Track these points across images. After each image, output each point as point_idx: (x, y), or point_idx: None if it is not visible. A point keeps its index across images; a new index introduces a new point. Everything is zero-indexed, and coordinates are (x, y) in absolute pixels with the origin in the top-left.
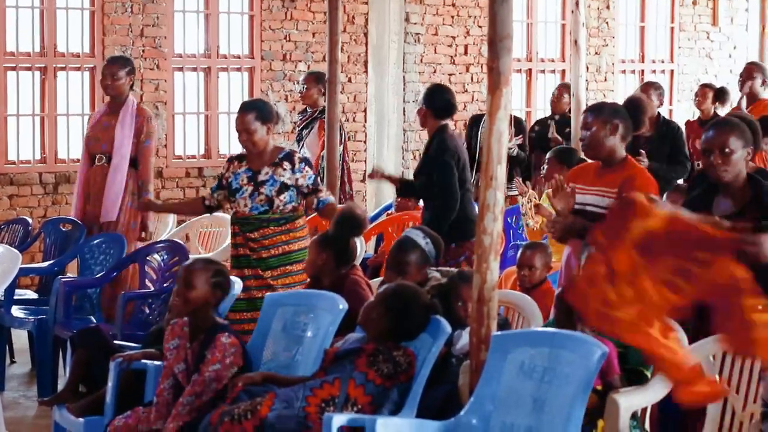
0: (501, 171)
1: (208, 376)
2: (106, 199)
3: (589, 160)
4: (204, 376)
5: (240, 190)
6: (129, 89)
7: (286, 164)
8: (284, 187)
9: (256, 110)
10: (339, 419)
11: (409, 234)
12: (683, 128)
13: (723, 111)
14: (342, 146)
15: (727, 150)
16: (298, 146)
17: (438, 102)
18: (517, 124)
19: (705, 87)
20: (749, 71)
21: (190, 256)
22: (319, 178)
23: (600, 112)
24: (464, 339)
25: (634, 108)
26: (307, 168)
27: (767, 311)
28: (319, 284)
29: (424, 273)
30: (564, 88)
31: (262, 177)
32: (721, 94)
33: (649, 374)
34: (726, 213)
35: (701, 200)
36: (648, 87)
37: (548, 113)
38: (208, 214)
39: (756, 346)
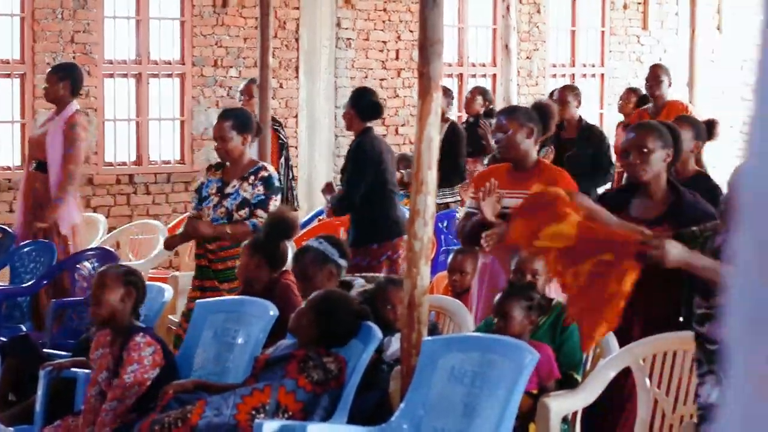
0: (432, 176)
1: (127, 379)
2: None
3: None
4: (123, 379)
5: (207, 198)
6: (69, 95)
7: (252, 178)
8: (244, 203)
9: (233, 118)
10: (270, 426)
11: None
12: (615, 131)
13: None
14: (286, 151)
15: (645, 150)
16: None
17: (363, 104)
18: (454, 131)
19: (630, 91)
20: (656, 74)
21: (121, 263)
22: (272, 202)
23: (515, 114)
24: (395, 345)
25: (542, 113)
26: (261, 187)
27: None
28: (251, 290)
29: (330, 271)
30: (477, 90)
31: (228, 189)
32: (644, 99)
33: (579, 378)
34: (642, 217)
35: (615, 199)
36: (565, 90)
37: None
38: (142, 221)
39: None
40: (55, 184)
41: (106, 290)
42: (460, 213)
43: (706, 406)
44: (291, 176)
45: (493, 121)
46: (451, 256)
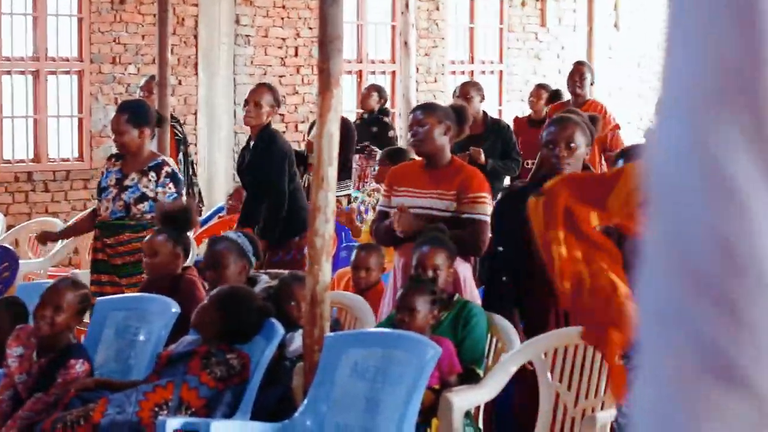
0: (332, 172)
1: (54, 398)
2: None
3: (416, 158)
4: (50, 397)
5: (107, 190)
6: None
7: (152, 175)
8: (144, 198)
9: (129, 112)
10: (173, 423)
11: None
12: (511, 127)
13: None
14: (184, 146)
15: (572, 144)
16: None
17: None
18: (345, 126)
19: (540, 87)
20: (580, 71)
21: (20, 261)
22: (181, 198)
23: (434, 110)
24: (297, 341)
25: (459, 115)
26: (171, 185)
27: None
28: (152, 287)
29: (242, 266)
30: (373, 87)
31: (127, 182)
32: (556, 96)
33: (481, 373)
34: None
35: (531, 189)
36: (467, 86)
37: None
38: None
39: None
40: None
41: (63, 309)
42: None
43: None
44: (191, 172)
45: (388, 119)
46: (354, 253)
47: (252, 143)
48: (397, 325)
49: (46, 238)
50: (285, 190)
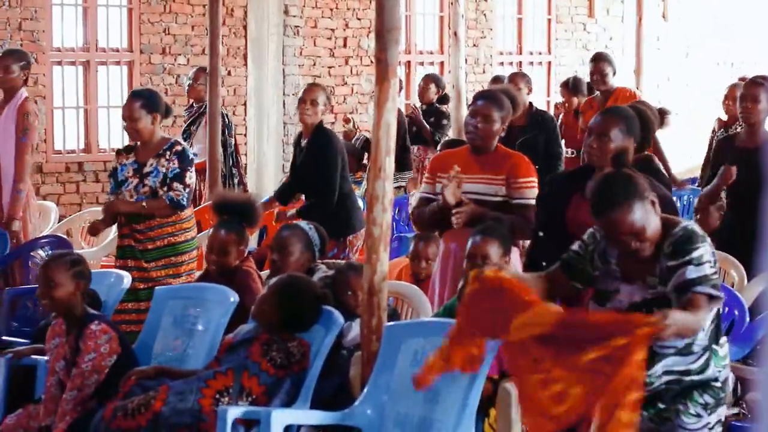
0: (389, 162)
1: (85, 368)
2: (5, 199)
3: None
4: (81, 368)
5: (126, 182)
6: (23, 83)
7: (168, 154)
8: (167, 179)
9: (142, 99)
10: (234, 412)
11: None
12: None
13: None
14: (233, 139)
15: (605, 138)
16: (186, 143)
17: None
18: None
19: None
20: (599, 68)
21: (75, 250)
22: (186, 175)
23: (500, 107)
24: (354, 330)
25: (513, 103)
26: (176, 161)
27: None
28: (207, 277)
29: (307, 257)
30: (430, 78)
31: (147, 169)
32: (575, 84)
33: None
34: None
35: (575, 182)
36: (516, 77)
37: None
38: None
39: None
40: (12, 176)
41: (55, 286)
42: (413, 199)
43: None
44: (232, 162)
45: (446, 107)
46: (413, 244)
47: (305, 141)
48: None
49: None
50: (335, 189)
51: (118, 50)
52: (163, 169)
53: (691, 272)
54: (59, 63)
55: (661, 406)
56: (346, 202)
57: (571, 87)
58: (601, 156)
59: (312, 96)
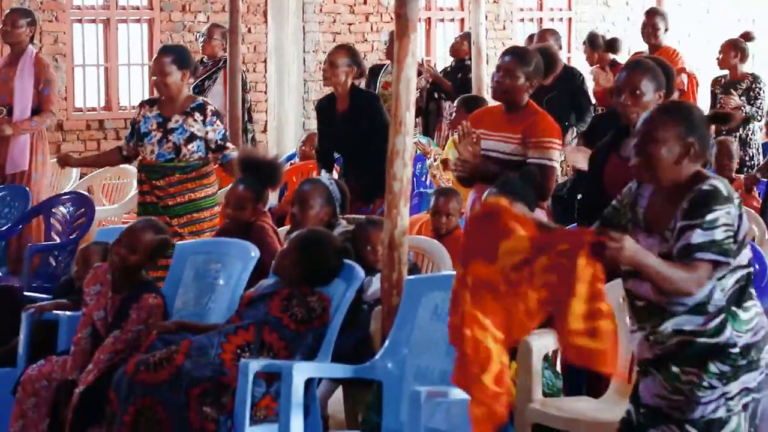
0: (410, 117)
1: (131, 336)
2: (13, 150)
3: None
4: (127, 336)
5: (149, 134)
6: (29, 40)
7: (198, 115)
8: (193, 137)
9: (174, 54)
10: (255, 365)
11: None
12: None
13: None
14: (248, 95)
15: (638, 92)
16: None
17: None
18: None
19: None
20: (652, 21)
21: (96, 208)
22: (228, 134)
23: (527, 64)
24: (375, 285)
25: (548, 61)
26: (218, 122)
27: (610, 318)
28: (223, 233)
29: (327, 211)
30: (465, 36)
31: (172, 124)
32: (611, 44)
33: None
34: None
35: (611, 143)
36: (546, 34)
37: (447, 62)
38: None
39: (595, 358)
40: (36, 118)
41: (137, 249)
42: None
43: (640, 362)
44: (247, 117)
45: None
46: (433, 199)
47: (342, 108)
48: None
49: (65, 161)
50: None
51: (138, 8)
52: (191, 129)
53: (698, 237)
54: (79, 21)
55: (675, 369)
56: (381, 164)
57: (587, 42)
58: (638, 112)
59: (332, 57)
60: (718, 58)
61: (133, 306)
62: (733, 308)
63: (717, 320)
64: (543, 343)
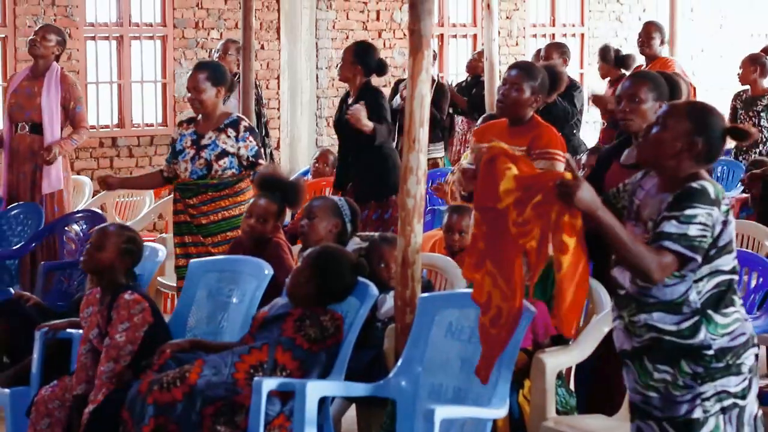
0: (423, 134)
1: (119, 338)
2: (50, 170)
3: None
4: (115, 339)
5: (183, 152)
6: (55, 58)
7: (231, 131)
8: (224, 153)
9: (209, 70)
10: (269, 384)
11: None
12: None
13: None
14: (260, 107)
15: (636, 99)
16: None
17: (372, 60)
18: (439, 89)
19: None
20: (647, 31)
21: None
22: (261, 150)
23: (533, 79)
24: (388, 303)
25: (553, 79)
26: (251, 138)
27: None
28: (238, 249)
29: (335, 224)
30: (482, 54)
31: (205, 141)
32: (619, 58)
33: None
34: (628, 164)
35: (615, 150)
36: (552, 48)
37: (459, 78)
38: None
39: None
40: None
41: (104, 247)
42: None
43: (621, 352)
44: (264, 132)
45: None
46: (447, 216)
47: (351, 99)
48: None
49: (106, 182)
50: (382, 145)
51: (151, 25)
52: (224, 145)
53: (671, 227)
54: (93, 38)
55: (648, 365)
56: (387, 162)
57: (599, 55)
58: (635, 119)
59: (344, 53)
60: (738, 74)
61: (113, 308)
62: (710, 311)
63: (690, 321)
64: (557, 361)
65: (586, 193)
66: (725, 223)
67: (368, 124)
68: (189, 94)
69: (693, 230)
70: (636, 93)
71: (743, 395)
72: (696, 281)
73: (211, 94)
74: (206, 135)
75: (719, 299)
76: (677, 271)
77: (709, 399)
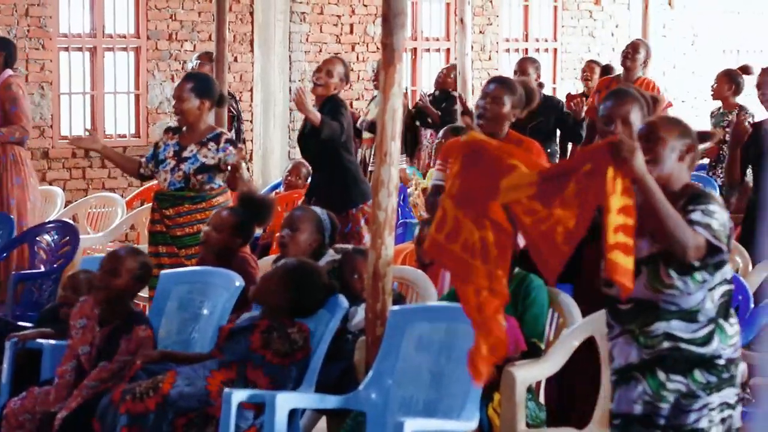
0: (395, 147)
1: (117, 366)
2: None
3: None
4: (114, 366)
5: (164, 162)
6: (2, 67)
7: (212, 145)
8: (203, 168)
9: (195, 81)
10: (238, 395)
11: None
12: (563, 101)
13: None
14: (237, 123)
15: (629, 122)
16: None
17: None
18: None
19: (592, 63)
20: (634, 46)
21: (81, 236)
22: (242, 162)
23: (512, 92)
24: (360, 314)
25: (528, 97)
26: (231, 148)
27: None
28: (204, 262)
29: (315, 239)
30: (452, 68)
31: (186, 153)
32: (606, 71)
33: (542, 346)
34: None
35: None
36: (525, 63)
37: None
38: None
39: (626, 274)
40: (7, 134)
41: (119, 273)
42: (425, 184)
43: (620, 369)
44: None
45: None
46: (418, 228)
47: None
48: None
49: (83, 141)
50: (342, 158)
51: (125, 36)
52: (204, 159)
53: (698, 216)
54: (66, 49)
55: (661, 375)
56: (346, 175)
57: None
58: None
59: (328, 66)
60: (712, 87)
61: (124, 338)
62: (721, 320)
63: (706, 330)
64: (526, 374)
65: (641, 156)
66: (731, 229)
67: (312, 111)
68: (173, 102)
69: (715, 224)
70: (627, 115)
71: (734, 407)
72: (710, 289)
73: (193, 105)
74: (188, 147)
75: (726, 308)
76: (702, 261)
77: (714, 409)
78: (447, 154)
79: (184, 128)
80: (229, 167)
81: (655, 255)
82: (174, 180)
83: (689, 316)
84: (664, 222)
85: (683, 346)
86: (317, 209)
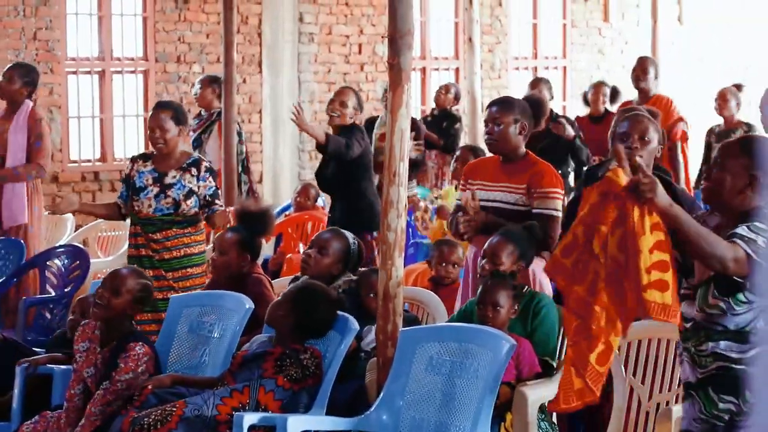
0: (404, 168)
1: (120, 386)
2: (11, 202)
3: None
4: (117, 387)
5: (145, 189)
6: (27, 96)
7: (194, 170)
8: (191, 193)
9: (172, 110)
10: (249, 418)
11: None
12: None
13: (614, 108)
14: (243, 146)
15: (646, 138)
16: (197, 151)
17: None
18: (413, 125)
19: (600, 85)
20: (643, 66)
21: (91, 260)
22: (219, 191)
23: (510, 108)
24: (373, 333)
25: (535, 107)
26: (210, 179)
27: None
28: (217, 285)
29: (337, 266)
30: (448, 87)
31: (169, 180)
32: (614, 94)
33: (555, 364)
34: None
35: (597, 167)
36: (538, 83)
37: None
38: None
39: (665, 311)
40: (19, 167)
41: (120, 292)
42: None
43: (686, 384)
44: (241, 169)
45: (458, 112)
46: (436, 249)
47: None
48: (480, 321)
49: (60, 207)
50: (360, 186)
51: (133, 59)
52: (190, 185)
53: (743, 230)
54: (74, 72)
55: (713, 395)
56: (362, 200)
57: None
58: (641, 155)
59: (342, 97)
60: (719, 103)
61: (121, 356)
62: None
63: (756, 351)
64: (539, 393)
65: (662, 190)
66: None
67: (312, 127)
68: (151, 133)
69: (761, 240)
70: (645, 131)
71: None
72: (763, 310)
73: (174, 133)
74: (169, 174)
75: None
76: (746, 279)
77: None
78: (468, 175)
79: (155, 154)
80: (206, 200)
81: (708, 278)
82: (161, 206)
83: (739, 336)
84: (696, 243)
85: (733, 365)
86: (350, 236)
